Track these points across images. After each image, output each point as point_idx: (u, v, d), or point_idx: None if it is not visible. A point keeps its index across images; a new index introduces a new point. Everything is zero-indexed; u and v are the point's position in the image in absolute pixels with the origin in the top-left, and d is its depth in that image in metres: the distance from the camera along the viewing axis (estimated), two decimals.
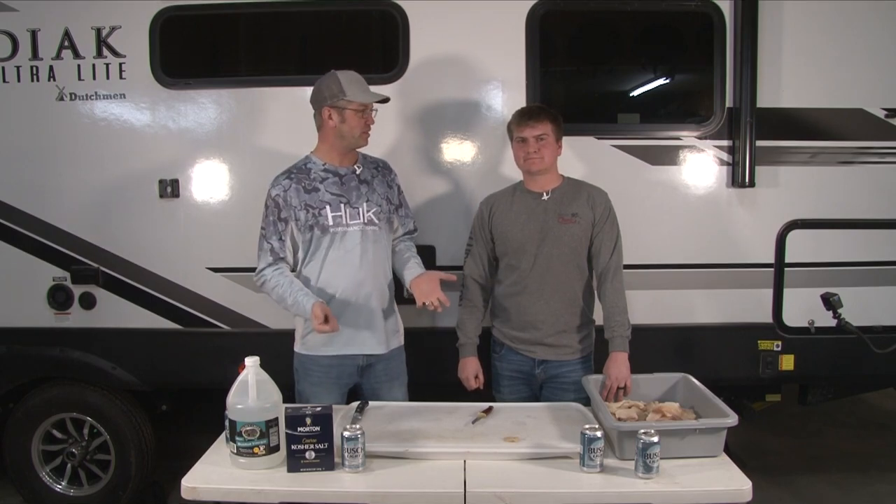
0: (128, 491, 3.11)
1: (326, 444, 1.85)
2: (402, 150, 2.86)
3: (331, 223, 2.40)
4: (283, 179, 2.44)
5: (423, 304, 2.35)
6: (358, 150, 2.51)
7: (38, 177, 2.92)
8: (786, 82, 2.85)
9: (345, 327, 2.41)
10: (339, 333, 2.39)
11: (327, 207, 2.41)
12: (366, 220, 2.44)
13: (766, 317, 2.95)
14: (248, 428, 1.85)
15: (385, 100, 2.45)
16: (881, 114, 2.86)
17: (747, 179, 2.83)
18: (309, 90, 2.43)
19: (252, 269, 2.50)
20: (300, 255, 2.46)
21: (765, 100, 2.83)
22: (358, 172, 2.47)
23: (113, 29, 2.84)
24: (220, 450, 1.99)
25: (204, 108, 2.89)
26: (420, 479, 1.84)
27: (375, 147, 2.59)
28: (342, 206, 2.42)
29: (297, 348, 2.51)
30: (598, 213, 2.51)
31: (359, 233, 2.42)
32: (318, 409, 1.87)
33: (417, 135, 2.89)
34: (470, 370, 2.60)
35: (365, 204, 2.44)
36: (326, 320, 2.25)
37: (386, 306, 2.50)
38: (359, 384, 2.53)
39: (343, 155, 2.46)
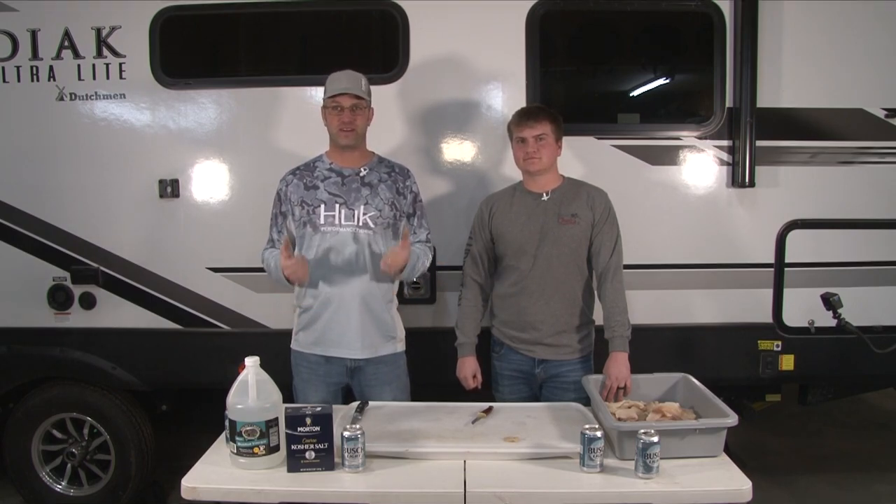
0: (128, 491, 3.11)
1: (326, 444, 1.85)
2: (402, 150, 2.85)
3: (322, 222, 2.40)
4: (288, 175, 2.49)
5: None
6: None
7: (38, 177, 2.92)
8: (786, 82, 2.85)
9: (331, 329, 2.42)
10: (325, 334, 2.42)
11: (322, 206, 2.40)
12: (360, 224, 2.40)
13: (766, 317, 2.95)
14: (248, 428, 1.85)
15: (357, 97, 2.36)
16: (881, 114, 2.86)
17: (747, 179, 2.83)
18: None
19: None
20: (296, 250, 2.46)
21: (765, 100, 2.83)
22: (362, 175, 2.45)
23: (113, 29, 2.83)
24: (220, 450, 1.99)
25: (204, 108, 2.89)
26: (420, 479, 1.84)
27: (376, 147, 2.59)
28: (337, 206, 2.40)
29: (291, 344, 2.52)
30: (597, 214, 2.51)
31: (351, 235, 2.40)
32: (318, 409, 1.87)
33: (417, 135, 2.89)
34: (468, 369, 2.60)
35: (362, 207, 2.41)
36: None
37: (377, 312, 2.45)
38: (350, 385, 2.52)
39: (344, 155, 2.45)
